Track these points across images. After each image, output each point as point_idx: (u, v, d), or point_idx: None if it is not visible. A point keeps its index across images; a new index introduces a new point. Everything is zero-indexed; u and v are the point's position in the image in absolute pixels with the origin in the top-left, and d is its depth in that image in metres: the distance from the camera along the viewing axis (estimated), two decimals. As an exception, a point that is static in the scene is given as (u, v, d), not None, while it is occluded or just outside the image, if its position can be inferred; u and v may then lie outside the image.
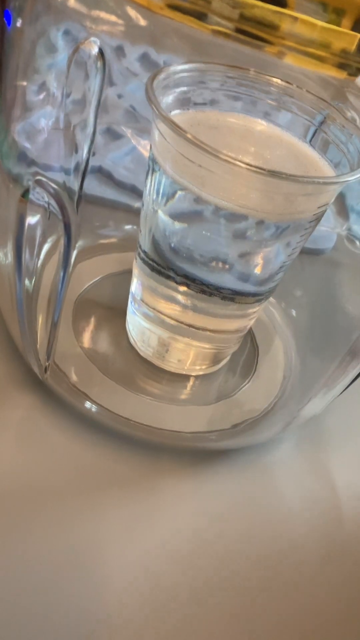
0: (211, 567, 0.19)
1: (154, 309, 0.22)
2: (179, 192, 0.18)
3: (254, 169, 0.16)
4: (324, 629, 0.19)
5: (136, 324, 0.24)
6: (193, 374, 0.24)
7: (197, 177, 0.17)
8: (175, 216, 0.19)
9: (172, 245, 0.20)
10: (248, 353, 0.26)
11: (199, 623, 0.18)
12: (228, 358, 0.25)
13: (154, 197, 0.19)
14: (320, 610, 0.19)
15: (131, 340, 0.24)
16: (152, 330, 0.23)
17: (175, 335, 0.22)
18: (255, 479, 0.22)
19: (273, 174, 0.16)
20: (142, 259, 0.21)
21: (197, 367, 0.24)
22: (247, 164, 0.16)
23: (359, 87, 0.21)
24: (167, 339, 0.23)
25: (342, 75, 0.20)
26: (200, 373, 0.24)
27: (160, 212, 0.19)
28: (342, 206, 0.32)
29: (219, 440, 0.22)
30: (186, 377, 0.24)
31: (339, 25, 0.17)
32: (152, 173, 0.19)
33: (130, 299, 0.24)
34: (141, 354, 0.24)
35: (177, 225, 0.19)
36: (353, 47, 0.17)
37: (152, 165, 0.19)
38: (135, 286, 0.23)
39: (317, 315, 0.29)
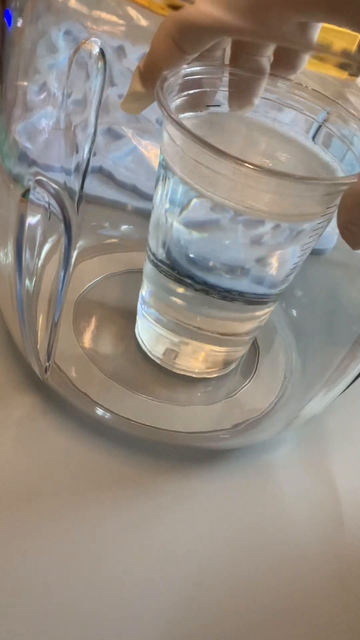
0: (211, 566, 0.19)
1: (164, 312, 0.22)
2: (195, 200, 0.18)
3: (262, 170, 0.16)
4: (324, 627, 0.19)
5: (146, 327, 0.24)
6: (202, 377, 0.24)
7: (206, 179, 0.17)
8: (192, 225, 0.19)
9: (189, 254, 0.20)
10: (249, 353, 0.26)
11: (199, 622, 0.18)
12: (238, 361, 0.25)
13: (167, 206, 0.19)
14: (319, 608, 0.19)
15: (140, 344, 0.24)
16: (162, 334, 0.23)
17: (185, 338, 0.22)
18: (255, 479, 0.22)
19: (283, 176, 0.16)
20: (153, 264, 0.21)
21: (207, 371, 0.24)
22: (256, 166, 0.16)
23: (359, 87, 0.21)
24: (177, 343, 0.23)
25: (343, 75, 0.20)
26: (211, 376, 0.24)
27: (175, 223, 0.19)
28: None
29: (220, 440, 0.22)
30: (187, 378, 0.24)
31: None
32: (164, 181, 0.19)
33: (140, 302, 0.24)
34: (151, 357, 0.24)
35: (194, 234, 0.19)
36: (354, 48, 0.17)
37: (165, 172, 0.19)
38: (145, 289, 0.23)
39: (317, 316, 0.29)
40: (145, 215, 0.30)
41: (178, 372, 0.23)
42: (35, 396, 0.22)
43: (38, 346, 0.21)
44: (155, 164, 0.32)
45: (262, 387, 0.24)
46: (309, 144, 0.20)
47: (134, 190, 0.31)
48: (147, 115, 0.34)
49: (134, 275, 0.28)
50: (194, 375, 0.24)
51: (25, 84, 0.20)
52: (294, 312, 0.28)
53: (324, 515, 0.22)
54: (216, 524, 0.20)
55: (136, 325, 0.24)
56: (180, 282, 0.20)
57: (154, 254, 0.21)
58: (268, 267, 0.20)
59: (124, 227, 0.30)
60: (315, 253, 0.31)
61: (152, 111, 0.36)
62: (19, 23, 0.18)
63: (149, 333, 0.23)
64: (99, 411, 0.21)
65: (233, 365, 0.25)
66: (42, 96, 0.20)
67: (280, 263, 0.20)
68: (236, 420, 0.23)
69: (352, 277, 0.29)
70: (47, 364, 0.21)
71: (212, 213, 0.18)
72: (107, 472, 0.21)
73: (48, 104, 0.19)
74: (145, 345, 0.24)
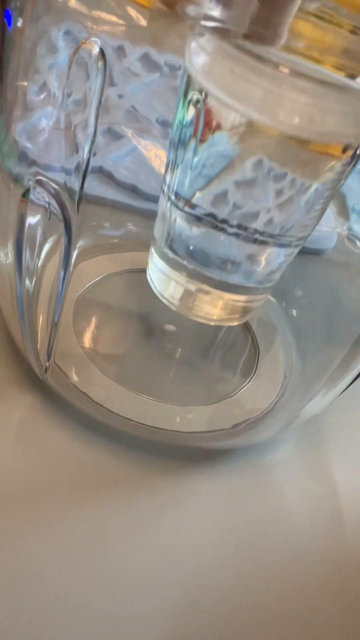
0: (211, 566, 0.19)
1: (179, 259, 0.21)
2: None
3: (301, 75, 0.14)
4: (324, 627, 0.19)
5: (159, 274, 0.22)
6: (223, 324, 0.23)
7: (239, 90, 0.16)
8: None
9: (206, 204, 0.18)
10: (248, 353, 0.26)
11: (199, 623, 0.18)
12: (257, 310, 0.23)
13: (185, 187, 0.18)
14: (319, 608, 0.19)
15: (154, 291, 0.22)
16: (179, 282, 0.21)
17: (203, 285, 0.21)
18: (255, 479, 0.22)
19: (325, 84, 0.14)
20: (171, 202, 0.20)
21: (227, 319, 0.22)
22: (294, 70, 0.14)
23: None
24: (194, 291, 0.21)
25: (340, 74, 0.19)
26: (232, 324, 0.23)
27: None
28: (342, 206, 0.32)
29: (219, 440, 0.22)
30: (187, 377, 0.24)
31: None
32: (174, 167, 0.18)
33: (151, 248, 0.22)
34: (166, 304, 0.22)
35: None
36: (352, 47, 0.16)
37: (175, 156, 0.18)
38: (159, 232, 0.21)
39: (317, 315, 0.29)
40: (146, 215, 0.30)
41: (195, 318, 0.22)
42: (35, 396, 0.22)
43: (38, 346, 0.21)
44: (155, 164, 0.32)
45: (262, 387, 0.25)
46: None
47: (134, 190, 0.31)
48: (147, 115, 0.34)
49: (134, 275, 0.28)
50: (212, 323, 0.23)
51: (25, 84, 0.20)
52: (294, 312, 0.28)
53: (324, 514, 0.22)
54: (216, 523, 0.20)
55: (148, 270, 0.23)
56: (208, 223, 0.19)
57: (171, 189, 0.20)
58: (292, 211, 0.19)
59: (124, 227, 0.30)
60: (316, 253, 0.31)
61: (152, 111, 0.36)
62: (19, 23, 0.18)
63: (164, 280, 0.22)
64: (99, 411, 0.21)
65: (251, 315, 0.23)
66: (42, 96, 0.20)
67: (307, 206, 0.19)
68: (236, 420, 0.23)
69: (352, 277, 0.29)
70: (47, 364, 0.21)
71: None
72: (107, 472, 0.21)
73: (48, 104, 0.19)
74: (159, 292, 0.22)
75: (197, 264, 0.20)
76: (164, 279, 0.22)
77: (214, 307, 0.22)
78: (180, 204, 0.20)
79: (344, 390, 0.22)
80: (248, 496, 0.21)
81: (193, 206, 0.19)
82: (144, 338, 0.25)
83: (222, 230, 0.19)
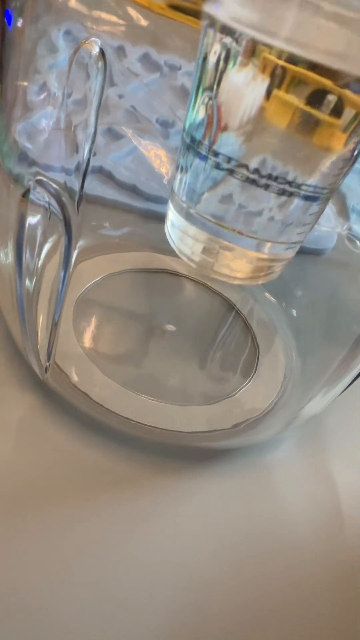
0: (211, 566, 0.19)
1: (200, 214, 0.19)
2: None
3: None
4: (324, 627, 0.19)
5: (177, 231, 0.21)
6: (246, 284, 0.22)
7: (266, 16, 0.15)
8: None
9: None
10: (249, 353, 0.26)
11: (199, 622, 0.18)
12: (281, 269, 0.22)
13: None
14: (320, 608, 0.19)
15: (173, 247, 0.21)
16: (198, 238, 0.20)
17: (225, 242, 0.20)
18: (255, 479, 0.22)
19: None
20: (193, 150, 0.19)
21: (250, 277, 0.21)
22: None
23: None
24: (217, 248, 0.20)
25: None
26: (256, 283, 0.21)
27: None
28: (342, 206, 0.32)
29: (220, 440, 0.22)
30: (187, 377, 0.24)
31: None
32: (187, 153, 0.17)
33: (170, 203, 0.21)
34: (186, 261, 0.21)
35: None
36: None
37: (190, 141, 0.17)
38: (177, 184, 0.20)
39: (317, 315, 0.29)
40: (146, 215, 0.30)
41: (217, 276, 0.21)
42: (34, 396, 0.22)
43: (38, 346, 0.21)
44: (155, 164, 0.32)
45: (262, 387, 0.25)
46: None
47: (134, 190, 0.31)
48: (147, 115, 0.34)
49: (134, 275, 0.28)
50: (236, 282, 0.21)
51: (25, 84, 0.20)
52: (294, 312, 0.28)
53: (324, 514, 0.22)
54: (216, 523, 0.20)
55: (166, 226, 0.21)
56: (232, 172, 0.18)
57: (191, 135, 0.19)
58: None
59: (124, 227, 0.30)
60: (316, 253, 0.31)
61: (152, 111, 0.36)
62: (19, 23, 0.18)
63: (182, 237, 0.21)
64: (99, 411, 0.21)
65: (275, 275, 0.22)
66: (42, 96, 0.20)
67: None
68: (236, 420, 0.23)
69: (352, 277, 0.29)
70: (47, 364, 0.21)
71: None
72: (106, 472, 0.21)
73: (48, 104, 0.19)
74: (179, 250, 0.21)
75: (219, 218, 0.19)
76: (182, 236, 0.21)
77: (237, 265, 0.21)
78: (204, 151, 0.18)
79: (344, 390, 0.22)
80: (248, 496, 0.21)
81: (217, 154, 0.18)
82: (144, 338, 0.25)
83: (253, 182, 0.18)
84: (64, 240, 0.18)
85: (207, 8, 0.17)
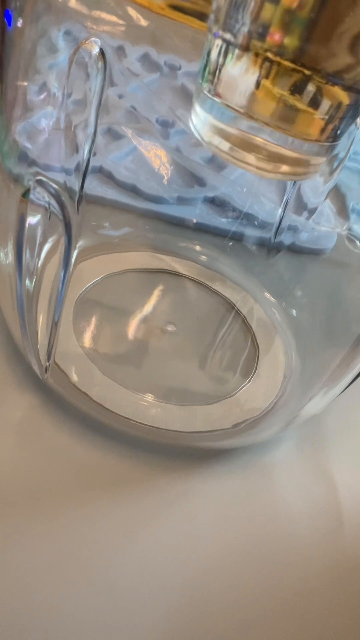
0: (211, 565, 0.19)
1: (231, 107, 0.18)
2: None
3: None
4: (324, 627, 0.19)
5: (206, 119, 0.19)
6: (278, 179, 0.21)
7: None
8: None
9: None
10: (248, 352, 0.26)
11: (199, 622, 0.18)
12: (320, 167, 0.20)
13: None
14: (319, 608, 0.19)
15: (200, 141, 0.20)
16: (229, 133, 0.19)
17: (255, 137, 0.19)
18: (255, 479, 0.22)
19: None
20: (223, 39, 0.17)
21: (283, 170, 0.20)
22: None
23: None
24: (245, 137, 0.19)
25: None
26: (289, 179, 0.21)
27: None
28: (342, 206, 0.32)
29: (219, 439, 0.22)
30: (187, 377, 0.24)
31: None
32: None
33: (196, 91, 0.19)
34: (213, 151, 0.20)
35: None
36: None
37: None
38: (206, 75, 0.18)
39: (317, 315, 0.29)
40: (146, 215, 0.30)
41: (249, 170, 0.19)
42: (34, 396, 0.22)
43: (38, 346, 0.21)
44: (155, 164, 0.32)
45: (262, 387, 0.25)
46: None
47: (134, 190, 0.31)
48: (147, 115, 0.34)
49: (134, 275, 0.28)
50: (268, 176, 0.20)
51: (25, 84, 0.20)
52: (294, 312, 0.28)
53: (324, 514, 0.22)
54: (216, 523, 0.20)
55: (190, 120, 0.20)
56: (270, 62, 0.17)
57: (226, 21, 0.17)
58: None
59: (124, 227, 0.30)
60: (315, 253, 0.31)
61: (152, 111, 0.36)
62: (19, 23, 0.18)
63: (209, 126, 0.19)
64: (99, 411, 0.21)
65: (308, 176, 0.20)
66: (42, 96, 0.20)
67: None
68: (236, 420, 0.23)
69: (352, 277, 0.29)
70: (47, 364, 0.21)
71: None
72: (106, 472, 0.21)
73: (48, 104, 0.19)
74: (205, 141, 0.20)
75: (252, 109, 0.18)
76: (209, 132, 0.19)
77: (269, 159, 0.19)
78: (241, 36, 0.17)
79: (344, 390, 0.22)
80: (248, 496, 0.21)
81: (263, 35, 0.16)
82: (144, 338, 0.25)
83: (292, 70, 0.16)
84: (64, 240, 0.18)
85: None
